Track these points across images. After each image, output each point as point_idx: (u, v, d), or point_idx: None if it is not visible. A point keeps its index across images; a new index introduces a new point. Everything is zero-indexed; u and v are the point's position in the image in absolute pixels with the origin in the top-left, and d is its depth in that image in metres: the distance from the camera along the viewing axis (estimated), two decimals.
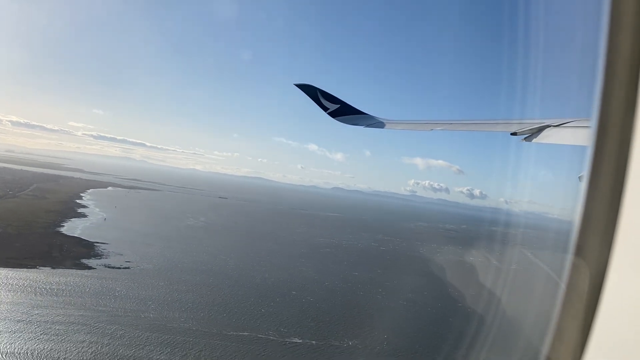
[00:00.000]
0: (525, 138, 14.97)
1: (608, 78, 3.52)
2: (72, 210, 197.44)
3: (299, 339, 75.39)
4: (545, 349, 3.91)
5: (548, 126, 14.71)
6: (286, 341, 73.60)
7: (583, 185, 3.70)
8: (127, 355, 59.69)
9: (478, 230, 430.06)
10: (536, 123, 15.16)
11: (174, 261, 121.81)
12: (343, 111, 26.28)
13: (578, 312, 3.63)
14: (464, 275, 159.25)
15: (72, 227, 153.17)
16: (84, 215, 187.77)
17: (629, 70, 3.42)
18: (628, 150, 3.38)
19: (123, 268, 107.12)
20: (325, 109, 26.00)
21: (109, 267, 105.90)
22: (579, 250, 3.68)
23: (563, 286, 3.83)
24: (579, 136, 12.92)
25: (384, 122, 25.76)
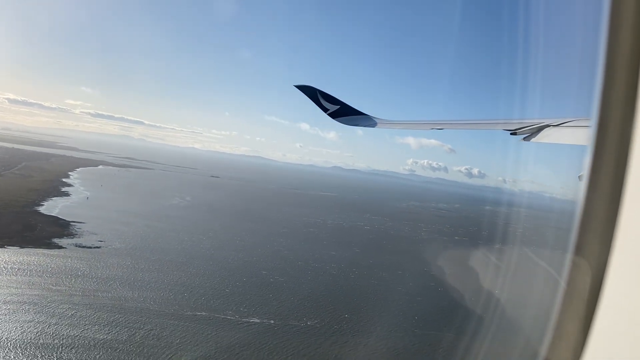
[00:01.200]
0: (524, 137, 15.12)
1: (608, 78, 3.54)
2: (56, 189, 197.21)
3: (258, 319, 75.66)
4: (544, 347, 3.95)
5: (547, 126, 14.78)
6: (243, 321, 73.84)
7: (583, 185, 3.73)
8: (72, 335, 59.83)
9: (470, 209, 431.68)
10: (536, 122, 15.30)
11: (148, 240, 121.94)
12: (343, 112, 26.49)
13: (578, 310, 3.65)
14: (443, 255, 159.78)
15: (51, 206, 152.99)
16: (66, 194, 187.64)
17: (628, 69, 3.44)
18: (628, 149, 3.39)
19: (94, 247, 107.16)
20: (325, 109, 26.18)
21: (79, 247, 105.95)
22: (579, 249, 3.71)
23: (564, 284, 3.85)
24: (578, 136, 12.99)
25: (384, 122, 26.20)
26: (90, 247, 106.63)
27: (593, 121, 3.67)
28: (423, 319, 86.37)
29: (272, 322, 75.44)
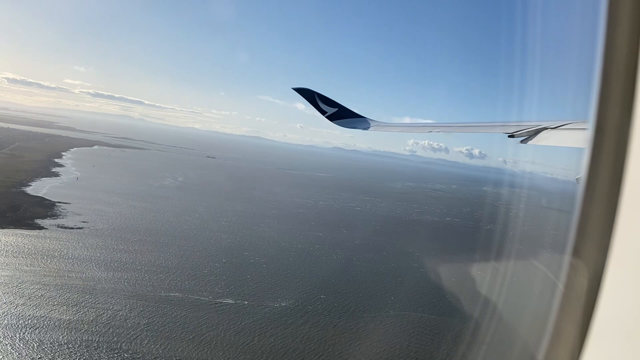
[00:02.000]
0: (522, 140, 15.22)
1: (605, 80, 3.54)
2: (46, 169, 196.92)
3: (232, 300, 75.94)
4: (542, 351, 3.95)
5: (545, 128, 14.90)
6: (216, 302, 74.10)
7: (580, 187, 3.73)
8: (37, 315, 60.10)
9: (467, 190, 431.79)
10: (534, 125, 15.44)
11: (132, 221, 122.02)
12: (341, 114, 26.58)
13: (576, 312, 3.65)
14: (430, 236, 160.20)
15: (38, 187, 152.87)
16: (56, 175, 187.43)
17: (625, 72, 3.44)
18: (625, 152, 3.40)
19: (76, 228, 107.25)
20: (323, 112, 26.24)
21: (61, 228, 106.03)
22: (577, 252, 3.72)
23: (561, 287, 3.86)
24: (576, 138, 13.05)
25: (382, 125, 26.23)
26: (72, 228, 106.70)
27: (590, 124, 3.67)
28: (399, 300, 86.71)
29: (246, 303, 75.74)
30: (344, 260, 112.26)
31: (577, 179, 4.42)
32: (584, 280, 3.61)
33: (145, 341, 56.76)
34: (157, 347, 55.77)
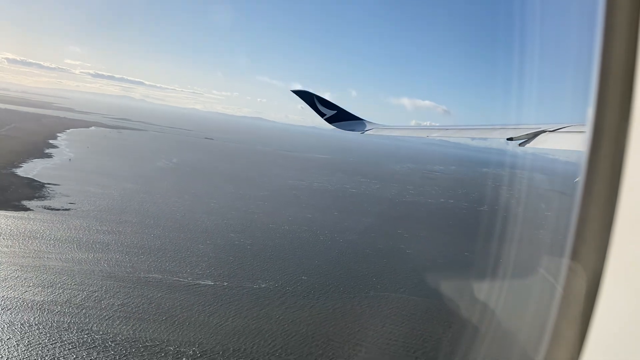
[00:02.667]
0: (521, 143, 15.43)
1: (603, 83, 3.55)
2: (40, 150, 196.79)
3: (211, 282, 76.24)
4: (541, 353, 3.97)
5: (544, 131, 15.06)
6: (196, 283, 74.42)
7: (578, 190, 3.74)
8: (10, 297, 60.28)
9: (465, 171, 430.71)
10: (532, 128, 15.61)
11: (120, 202, 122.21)
12: (340, 117, 26.99)
13: (574, 315, 3.67)
14: (421, 218, 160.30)
15: (30, 168, 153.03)
16: (49, 156, 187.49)
17: (623, 75, 3.45)
18: (623, 155, 3.42)
19: (62, 210, 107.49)
20: (322, 114, 26.68)
21: (47, 209, 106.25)
22: (575, 255, 3.73)
23: (560, 289, 3.87)
24: (574, 141, 13.24)
25: (380, 127, 26.68)
26: (58, 210, 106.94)
27: (588, 127, 3.68)
28: (382, 281, 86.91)
29: (225, 284, 76.05)
30: (330, 241, 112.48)
31: (575, 182, 4.41)
32: (583, 283, 3.63)
33: (117, 322, 57.15)
34: (127, 328, 56.14)
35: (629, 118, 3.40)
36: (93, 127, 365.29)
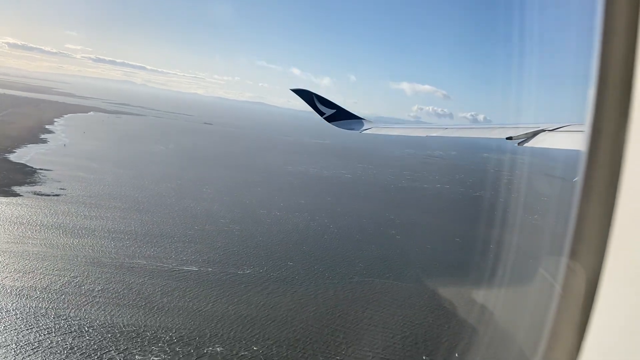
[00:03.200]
0: (520, 142, 15.65)
1: (602, 83, 3.57)
2: (35, 136, 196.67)
3: (196, 267, 76.42)
4: (540, 352, 3.98)
5: (543, 130, 15.26)
6: (180, 269, 74.60)
7: (577, 190, 3.76)
8: None
9: (466, 157, 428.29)
10: (531, 127, 15.81)
11: (111, 188, 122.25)
12: (339, 116, 27.22)
13: (573, 314, 3.69)
14: (415, 203, 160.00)
15: (23, 154, 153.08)
16: (44, 141, 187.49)
17: (622, 75, 3.47)
18: (622, 154, 3.44)
19: (52, 195, 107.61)
20: (321, 113, 26.83)
21: (37, 195, 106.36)
22: (574, 254, 3.75)
23: (559, 289, 3.89)
24: (573, 140, 13.40)
25: (380, 127, 27.01)
26: (48, 195, 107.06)
27: (587, 126, 3.70)
28: (368, 267, 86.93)
29: (209, 270, 76.24)
30: (321, 227, 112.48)
31: (574, 181, 4.42)
32: (581, 282, 3.64)
33: (95, 308, 57.42)
34: (105, 313, 56.43)
35: (627, 117, 3.41)
36: (91, 113, 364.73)
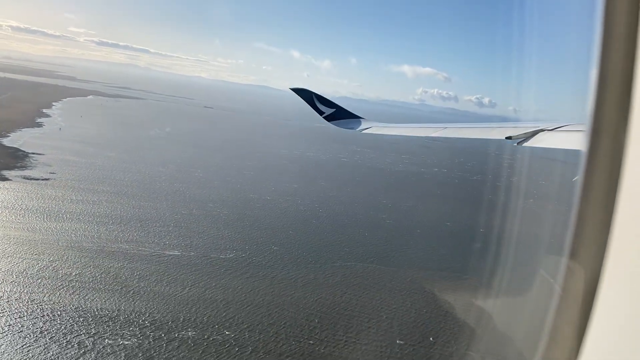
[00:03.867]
0: (519, 142, 15.74)
1: (602, 82, 3.58)
2: (31, 119, 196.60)
3: (179, 252, 76.51)
4: (540, 351, 3.99)
5: (542, 130, 15.29)
6: (162, 253, 74.65)
7: (577, 189, 3.77)
8: None
9: (467, 140, 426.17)
10: (530, 127, 15.88)
11: (101, 172, 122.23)
12: (339, 115, 27.26)
13: (573, 313, 3.70)
14: (410, 187, 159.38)
15: (17, 138, 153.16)
16: (39, 125, 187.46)
17: (622, 75, 3.48)
18: (622, 154, 3.45)
19: (41, 179, 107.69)
20: (321, 112, 26.95)
21: (26, 179, 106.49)
22: (574, 254, 3.76)
23: (559, 288, 3.89)
24: (572, 140, 13.48)
25: (380, 126, 26.62)
26: (37, 179, 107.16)
27: (587, 126, 3.70)
28: (353, 251, 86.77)
29: (192, 254, 76.33)
30: (310, 212, 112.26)
31: (574, 181, 4.45)
32: (581, 281, 3.65)
33: (70, 292, 57.63)
34: (79, 298, 56.65)
35: (627, 117, 3.40)
36: (91, 96, 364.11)
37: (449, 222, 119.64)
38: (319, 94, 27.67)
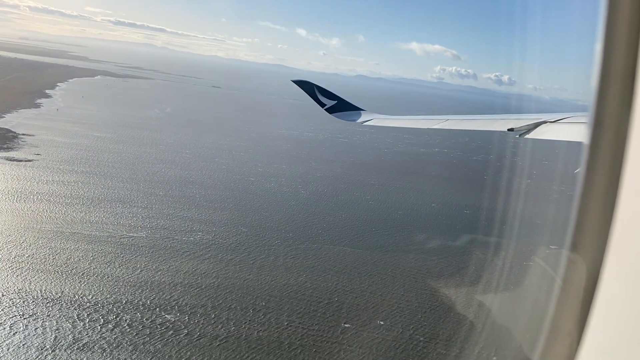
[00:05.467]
0: (521, 134, 15.77)
1: (604, 74, 3.58)
2: (30, 100, 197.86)
3: (144, 234, 76.47)
4: (540, 345, 4.02)
5: (544, 122, 15.25)
6: (127, 235, 74.70)
7: (579, 182, 3.78)
8: None
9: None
10: (533, 119, 15.83)
11: (87, 153, 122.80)
12: (340, 107, 27.44)
13: (574, 307, 3.72)
14: (404, 168, 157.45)
15: (11, 119, 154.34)
16: (37, 106, 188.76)
17: (625, 66, 3.48)
18: (624, 146, 3.45)
19: (24, 161, 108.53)
20: (322, 105, 27.08)
21: (8, 160, 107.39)
22: (575, 246, 3.77)
23: (559, 282, 3.90)
24: (574, 132, 13.57)
25: (381, 118, 26.68)
26: (20, 161, 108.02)
27: (589, 118, 3.69)
28: (324, 233, 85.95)
29: (157, 236, 76.39)
30: (292, 193, 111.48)
31: (575, 173, 4.42)
32: (582, 275, 3.64)
33: (17, 274, 58.04)
34: (24, 279, 56.96)
35: (630, 109, 3.38)
36: (99, 77, 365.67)
37: (434, 203, 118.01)
38: (320, 85, 27.44)
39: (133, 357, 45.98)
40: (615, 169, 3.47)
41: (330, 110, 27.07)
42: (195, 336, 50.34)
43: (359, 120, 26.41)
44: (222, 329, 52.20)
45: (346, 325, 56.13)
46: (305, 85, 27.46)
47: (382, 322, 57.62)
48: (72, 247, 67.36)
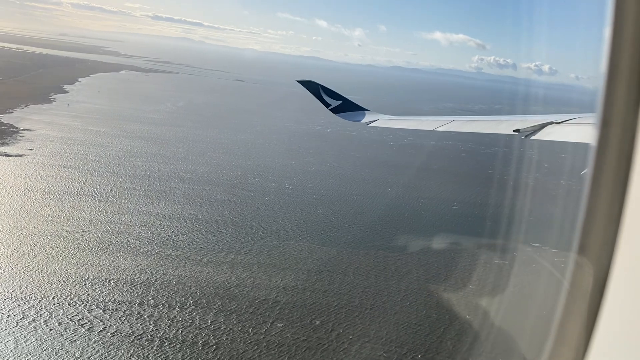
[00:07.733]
0: (527, 135, 15.71)
1: (611, 75, 3.60)
2: (45, 96, 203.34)
3: (100, 228, 77.48)
4: (547, 349, 4.06)
5: (551, 123, 15.18)
6: (84, 230, 75.81)
7: (586, 183, 3.81)
8: None
9: (509, 110, 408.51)
10: (539, 120, 15.79)
11: (79, 148, 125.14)
12: (345, 107, 27.20)
13: (581, 310, 3.75)
14: (404, 162, 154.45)
15: (20, 114, 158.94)
16: (50, 101, 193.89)
17: (632, 67, 3.50)
18: (631, 147, 3.47)
19: (15, 156, 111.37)
20: (327, 105, 26.84)
21: (1, 155, 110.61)
22: (582, 249, 3.78)
23: (566, 284, 3.96)
24: (581, 133, 13.52)
25: (387, 118, 26.75)
26: (10, 156, 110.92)
27: (597, 119, 3.69)
28: (293, 230, 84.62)
29: (112, 230, 76.99)
30: (274, 189, 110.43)
31: (582, 174, 4.40)
32: (590, 277, 3.62)
33: None
34: None
35: (637, 109, 3.37)
36: (124, 71, 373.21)
37: (422, 198, 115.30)
38: (325, 85, 27.18)
39: (35, 353, 46.41)
40: (623, 170, 3.42)
41: (335, 110, 26.94)
42: (109, 333, 50.43)
43: (363, 121, 26.42)
44: (141, 327, 52.11)
45: (278, 325, 55.23)
46: (310, 85, 27.19)
47: (318, 322, 56.58)
48: (20, 242, 68.61)
